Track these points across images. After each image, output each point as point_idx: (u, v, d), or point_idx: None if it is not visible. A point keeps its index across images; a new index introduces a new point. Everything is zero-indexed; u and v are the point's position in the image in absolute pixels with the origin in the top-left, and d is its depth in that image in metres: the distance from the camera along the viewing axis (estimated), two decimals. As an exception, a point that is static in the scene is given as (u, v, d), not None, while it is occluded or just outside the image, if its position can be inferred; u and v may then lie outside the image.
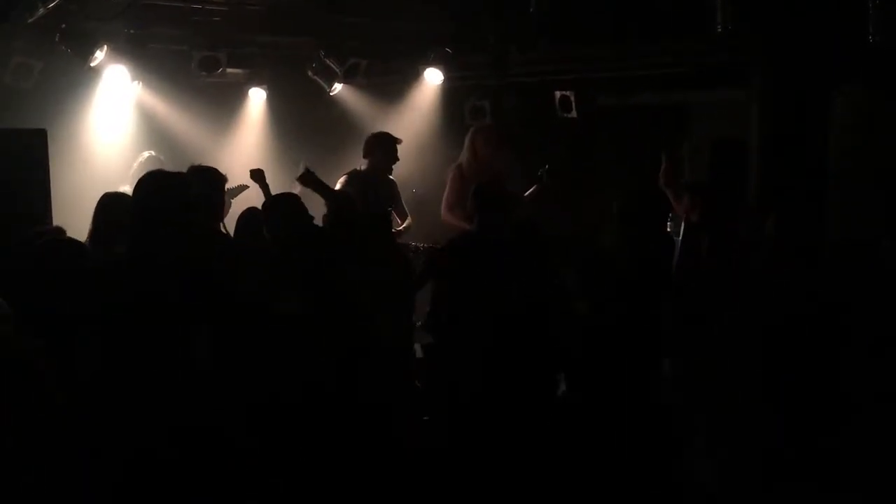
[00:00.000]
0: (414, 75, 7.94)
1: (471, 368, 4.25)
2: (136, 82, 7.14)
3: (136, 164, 6.59)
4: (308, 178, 5.07)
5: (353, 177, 6.24)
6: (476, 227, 4.72)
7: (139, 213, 3.33)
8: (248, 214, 4.82)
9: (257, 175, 5.56)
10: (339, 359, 3.84)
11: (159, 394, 3.10)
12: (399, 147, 6.50)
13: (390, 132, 6.64)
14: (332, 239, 4.50)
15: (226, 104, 8.02)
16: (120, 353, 3.13)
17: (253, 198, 5.79)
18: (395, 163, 6.49)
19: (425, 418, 4.60)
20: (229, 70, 7.34)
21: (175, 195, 3.35)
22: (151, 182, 3.43)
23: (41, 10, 5.85)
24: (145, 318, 3.14)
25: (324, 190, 5.11)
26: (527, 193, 6.48)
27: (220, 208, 4.81)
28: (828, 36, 5.82)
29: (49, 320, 3.05)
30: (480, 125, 7.17)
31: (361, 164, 6.45)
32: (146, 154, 6.73)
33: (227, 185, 6.29)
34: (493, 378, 4.18)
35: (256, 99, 7.99)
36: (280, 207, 4.54)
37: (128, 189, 6.66)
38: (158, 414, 3.08)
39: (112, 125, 7.48)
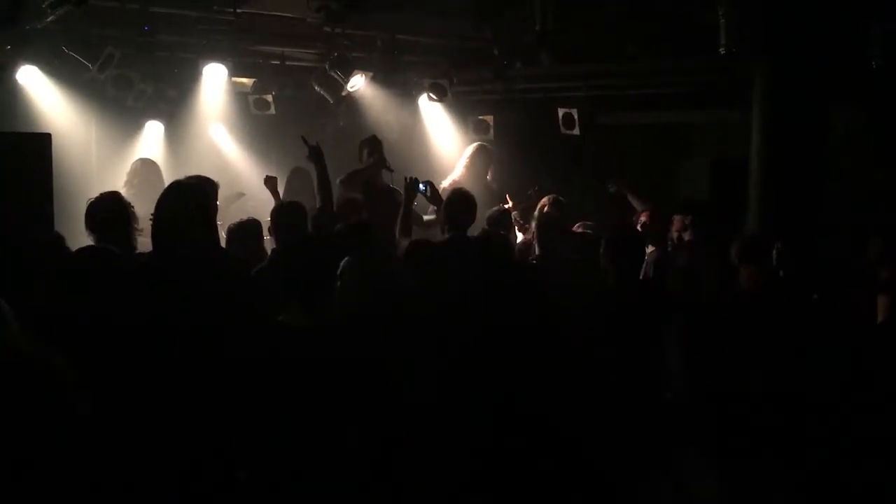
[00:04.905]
0: (418, 89, 8.00)
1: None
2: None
3: (131, 168, 6.63)
4: (316, 155, 5.07)
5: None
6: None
7: (167, 221, 3.42)
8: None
9: (270, 183, 5.91)
10: None
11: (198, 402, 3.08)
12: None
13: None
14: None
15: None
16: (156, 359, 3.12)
17: (248, 207, 5.87)
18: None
19: None
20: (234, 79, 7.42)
21: (201, 204, 3.52)
22: (178, 192, 3.58)
23: (50, 17, 5.92)
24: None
25: (322, 173, 5.07)
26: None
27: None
28: (828, 59, 5.86)
29: (83, 326, 3.05)
30: (479, 144, 7.14)
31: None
32: (141, 158, 6.79)
33: (225, 193, 6.36)
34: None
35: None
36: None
37: (123, 192, 6.70)
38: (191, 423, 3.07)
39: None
